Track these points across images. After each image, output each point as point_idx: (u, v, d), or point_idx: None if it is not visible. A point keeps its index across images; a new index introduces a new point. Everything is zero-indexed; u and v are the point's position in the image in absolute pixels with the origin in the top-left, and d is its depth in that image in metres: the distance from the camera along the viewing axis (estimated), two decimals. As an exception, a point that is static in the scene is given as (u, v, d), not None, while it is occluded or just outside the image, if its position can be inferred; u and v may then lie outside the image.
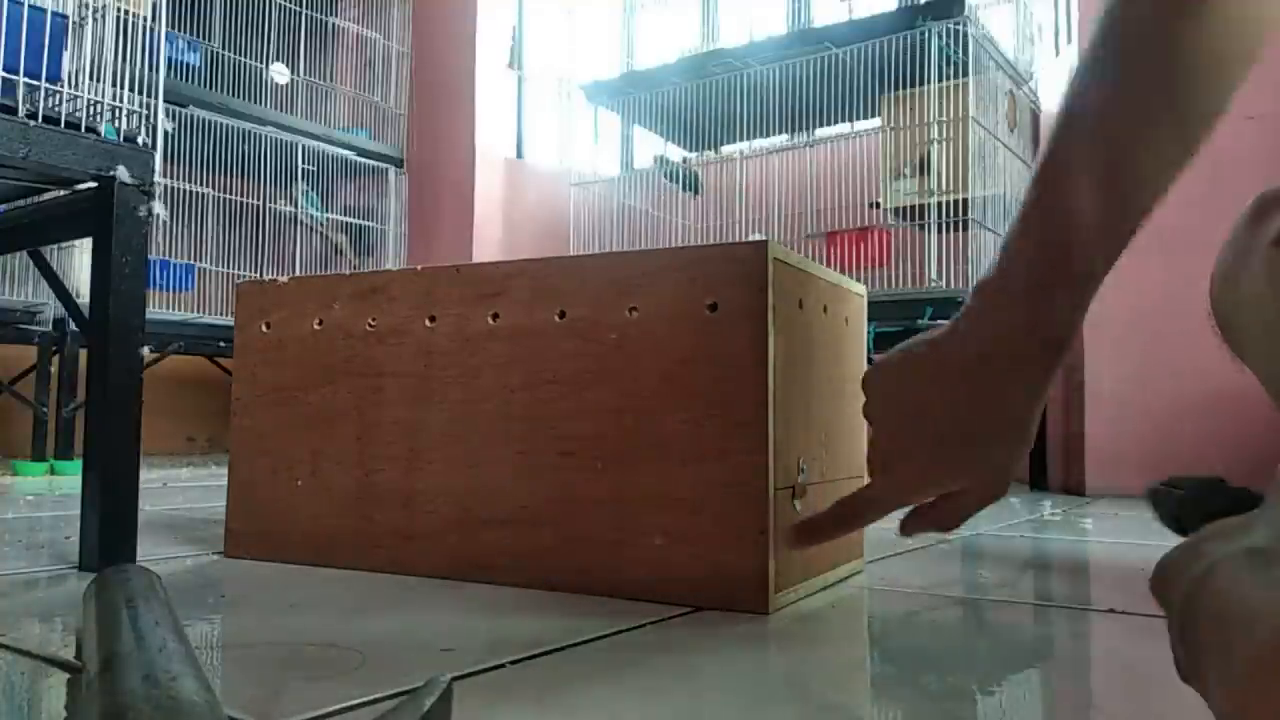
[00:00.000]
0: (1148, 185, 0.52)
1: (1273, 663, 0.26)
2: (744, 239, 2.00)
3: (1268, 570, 0.30)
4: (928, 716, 0.51)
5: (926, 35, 2.13)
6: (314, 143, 3.07)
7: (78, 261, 2.29)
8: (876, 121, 2.35)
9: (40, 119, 0.90)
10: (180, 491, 1.83)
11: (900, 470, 0.61)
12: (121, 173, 0.92)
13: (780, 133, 2.68)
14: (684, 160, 2.75)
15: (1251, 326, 0.42)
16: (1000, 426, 0.56)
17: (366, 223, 3.32)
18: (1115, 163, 0.52)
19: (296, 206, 3.06)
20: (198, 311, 2.73)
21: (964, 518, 0.60)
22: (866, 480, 0.64)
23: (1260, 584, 0.29)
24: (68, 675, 0.54)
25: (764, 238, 0.87)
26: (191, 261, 2.78)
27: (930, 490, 0.61)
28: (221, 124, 2.82)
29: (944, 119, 2.13)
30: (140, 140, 0.97)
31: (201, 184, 2.82)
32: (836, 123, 2.54)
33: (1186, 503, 1.06)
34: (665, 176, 2.65)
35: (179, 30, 2.87)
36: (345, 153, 3.18)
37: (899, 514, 0.60)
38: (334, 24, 3.35)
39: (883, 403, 0.61)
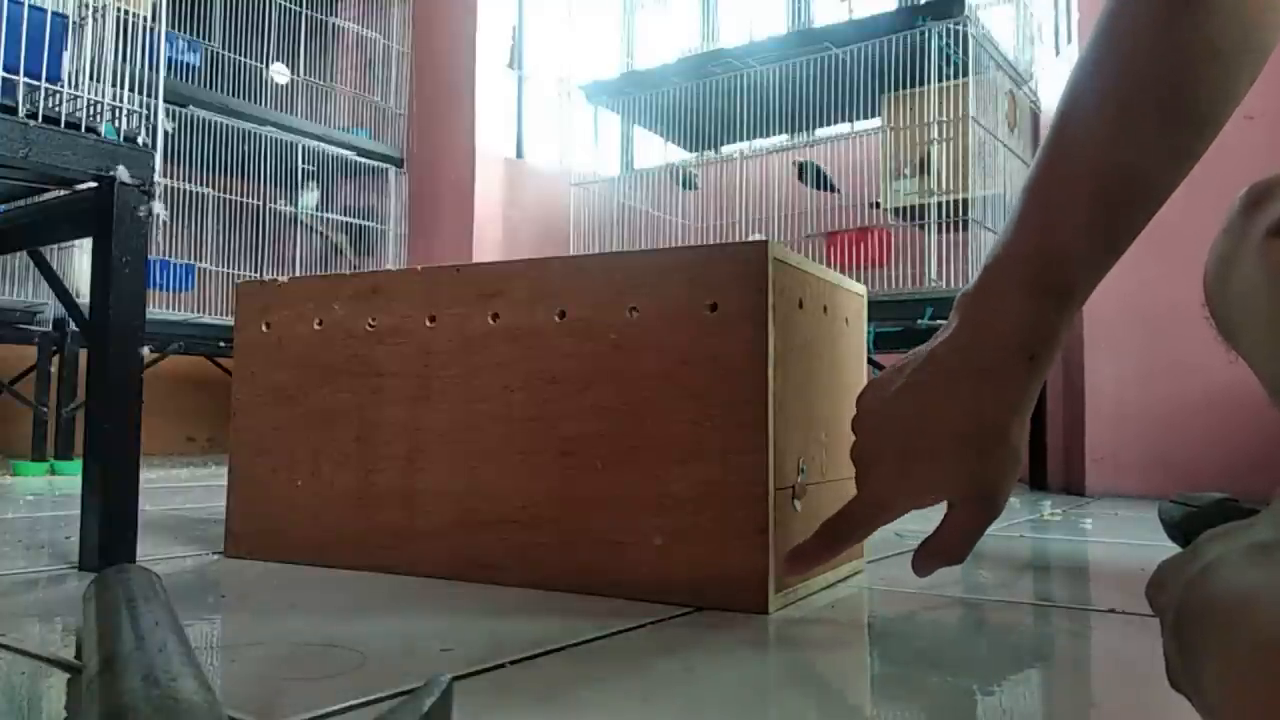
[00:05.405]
0: (1141, 203, 0.52)
1: (1276, 645, 0.25)
2: (744, 239, 1.99)
3: (1269, 558, 0.29)
4: (928, 716, 0.51)
5: (926, 35, 2.13)
6: (314, 143, 3.07)
7: (78, 261, 2.29)
8: (876, 121, 2.35)
9: (40, 119, 0.90)
10: (180, 491, 1.83)
11: (872, 479, 0.62)
12: (121, 173, 0.92)
13: (780, 133, 2.68)
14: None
15: (1246, 316, 0.42)
16: (977, 436, 0.55)
17: (366, 223, 3.32)
18: (1109, 179, 0.51)
19: (296, 205, 3.06)
20: (198, 311, 2.72)
21: (966, 544, 0.60)
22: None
23: (1262, 571, 0.29)
24: (68, 675, 0.54)
25: (764, 238, 0.87)
26: (191, 261, 2.78)
27: (906, 501, 0.61)
28: (221, 124, 2.82)
29: (944, 119, 2.13)
30: (140, 140, 0.97)
31: (201, 184, 2.82)
32: (836, 123, 2.54)
33: (1195, 518, 1.05)
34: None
35: (179, 30, 2.87)
36: (345, 153, 3.18)
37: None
38: (334, 24, 3.35)
39: (863, 415, 0.62)
